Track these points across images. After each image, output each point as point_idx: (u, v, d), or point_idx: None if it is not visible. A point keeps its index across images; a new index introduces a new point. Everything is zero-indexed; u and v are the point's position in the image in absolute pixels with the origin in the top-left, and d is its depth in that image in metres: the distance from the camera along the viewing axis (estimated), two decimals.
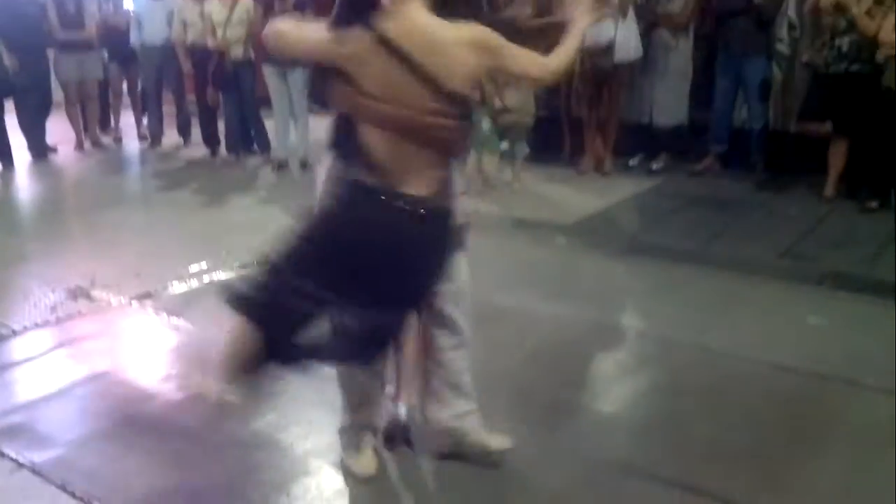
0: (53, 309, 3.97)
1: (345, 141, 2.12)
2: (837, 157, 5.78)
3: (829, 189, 5.79)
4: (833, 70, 5.58)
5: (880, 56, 5.34)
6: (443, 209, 2.08)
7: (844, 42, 5.51)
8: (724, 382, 3.21)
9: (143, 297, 4.14)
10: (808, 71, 5.99)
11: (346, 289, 2.03)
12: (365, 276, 2.03)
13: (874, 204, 5.53)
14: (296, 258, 2.09)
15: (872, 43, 5.39)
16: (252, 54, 7.25)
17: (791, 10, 6.35)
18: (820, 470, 2.60)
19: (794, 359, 3.36)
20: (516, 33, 2.19)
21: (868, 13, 5.39)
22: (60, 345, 3.60)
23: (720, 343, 3.53)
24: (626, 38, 6.30)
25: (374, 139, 2.02)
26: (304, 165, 7.03)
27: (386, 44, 1.93)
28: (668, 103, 6.68)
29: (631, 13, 6.33)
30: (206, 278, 4.42)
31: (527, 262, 4.71)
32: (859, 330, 3.71)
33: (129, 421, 2.92)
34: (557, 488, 2.45)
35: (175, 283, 4.34)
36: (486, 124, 5.37)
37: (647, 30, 6.60)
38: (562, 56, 2.15)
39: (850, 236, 5.06)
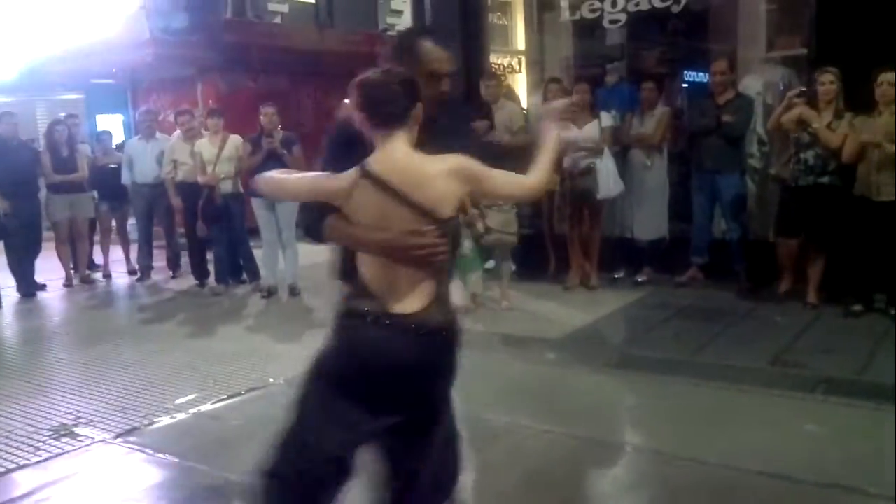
0: (36, 449, 3.88)
1: (346, 270, 2.20)
2: (815, 266, 5.89)
3: (812, 296, 5.86)
4: (801, 183, 5.79)
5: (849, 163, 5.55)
6: (438, 324, 2.11)
7: (809, 155, 5.74)
8: (725, 496, 3.13)
9: (128, 432, 4.06)
10: (778, 184, 6.21)
11: (366, 417, 2.11)
12: (378, 402, 2.11)
13: (858, 308, 5.59)
14: (311, 398, 2.20)
15: (836, 155, 5.61)
16: (241, 188, 7.45)
17: (759, 127, 6.67)
18: None
19: (793, 468, 3.29)
20: (498, 156, 2.29)
21: (829, 126, 5.64)
22: (44, 486, 3.49)
23: (717, 455, 3.46)
24: (605, 176, 6.56)
25: (366, 264, 2.11)
26: (294, 292, 7.08)
27: (375, 180, 2.04)
28: (649, 219, 6.88)
29: (606, 152, 6.61)
30: (192, 410, 4.35)
31: (517, 378, 4.68)
32: (856, 436, 3.66)
33: None
34: None
35: (161, 416, 4.27)
36: (468, 244, 5.48)
37: (623, 151, 6.88)
38: (539, 171, 2.23)
39: (839, 341, 5.09)
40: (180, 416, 4.29)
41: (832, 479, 3.19)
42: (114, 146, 9.05)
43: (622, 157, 6.85)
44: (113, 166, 8.50)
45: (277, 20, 12.92)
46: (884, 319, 5.39)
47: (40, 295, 7.96)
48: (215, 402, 4.45)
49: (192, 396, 4.54)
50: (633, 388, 4.52)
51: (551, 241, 7.14)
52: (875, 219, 5.34)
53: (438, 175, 2.06)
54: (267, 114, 7.07)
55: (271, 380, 4.77)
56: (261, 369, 4.97)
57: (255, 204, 7.16)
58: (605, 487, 3.37)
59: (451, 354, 2.18)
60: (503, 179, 2.18)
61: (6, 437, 4.04)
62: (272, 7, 12.85)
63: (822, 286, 5.86)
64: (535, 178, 2.22)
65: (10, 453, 3.83)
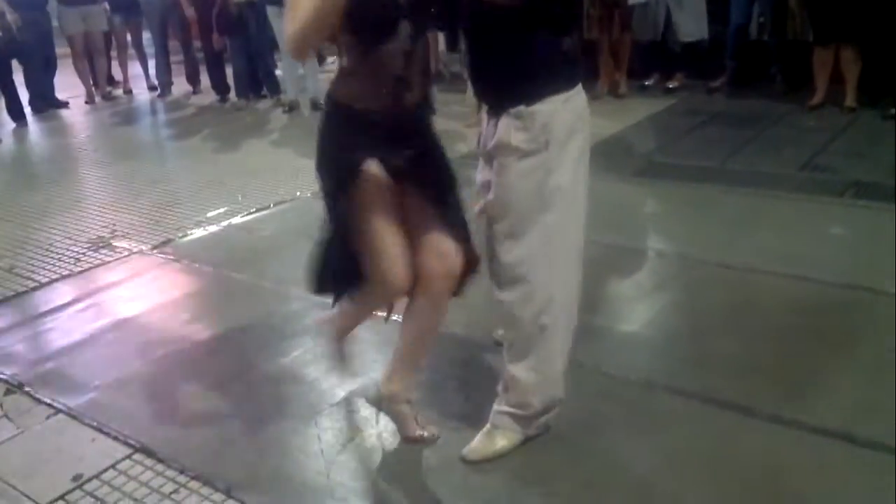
0: (77, 260, 4.02)
1: None
2: (851, 68, 5.63)
3: (850, 99, 5.66)
4: None
5: None
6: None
7: None
8: (747, 297, 3.19)
9: (164, 244, 4.18)
10: None
11: None
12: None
13: (895, 111, 5.40)
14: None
15: None
16: None
17: None
18: (844, 379, 2.59)
19: (816, 270, 3.32)
20: None
21: None
22: (86, 295, 3.65)
23: (741, 259, 3.50)
24: None
25: None
26: (316, 106, 6.98)
27: None
28: (688, 19, 6.50)
29: None
30: (223, 223, 4.45)
31: None
32: (882, 239, 3.65)
33: (159, 364, 2.98)
34: (581, 404, 2.47)
35: (194, 229, 4.37)
36: None
37: None
38: (296, 28, 1.92)
39: (872, 145, 4.97)
40: (212, 228, 4.39)
41: (855, 280, 3.23)
42: None
43: None
44: None
45: None
46: None
47: (63, 112, 7.95)
48: (245, 216, 4.53)
49: (222, 210, 4.62)
50: (661, 196, 4.50)
51: (582, 46, 6.83)
52: None
53: None
54: None
55: (298, 193, 4.82)
56: (287, 183, 5.01)
57: (272, 13, 6.87)
58: (628, 290, 3.43)
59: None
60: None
61: (47, 250, 4.19)
62: None
63: (860, 89, 5.64)
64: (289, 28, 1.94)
65: (52, 265, 3.99)
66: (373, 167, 2.11)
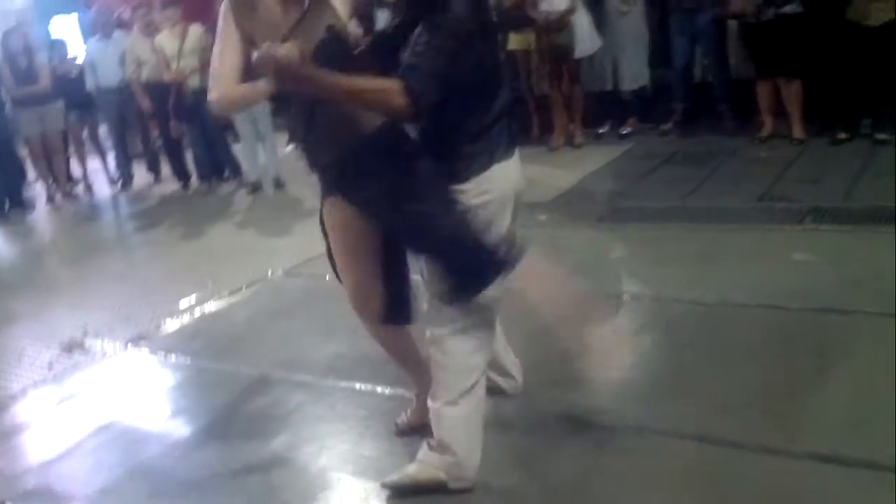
0: (50, 365, 3.95)
1: None
2: (793, 100, 5.82)
3: (797, 131, 5.82)
4: (763, 18, 5.64)
5: None
6: None
7: None
8: (724, 331, 3.23)
9: (138, 339, 4.13)
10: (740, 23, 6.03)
11: None
12: None
13: (843, 135, 5.58)
14: None
15: None
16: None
17: None
18: (828, 402, 2.62)
19: (786, 298, 3.39)
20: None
21: None
22: (62, 401, 3.58)
23: (713, 294, 3.55)
24: (582, 32, 6.34)
25: None
26: (278, 184, 7.02)
27: None
28: (630, 68, 6.72)
29: (580, 7, 6.35)
30: (196, 311, 4.41)
31: None
32: (845, 260, 3.74)
33: (143, 467, 2.91)
34: (576, 458, 2.47)
35: (167, 320, 4.33)
36: None
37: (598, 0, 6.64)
38: (232, 93, 2.21)
39: (824, 171, 5.12)
40: (185, 317, 4.35)
41: (824, 303, 3.30)
42: (71, 55, 8.68)
43: (597, 6, 6.63)
44: (74, 74, 8.19)
45: None
46: (868, 144, 5.40)
47: (26, 215, 7.89)
48: (218, 300, 4.50)
49: (194, 298, 4.58)
50: (627, 240, 4.57)
51: (533, 102, 7.01)
52: (863, 44, 5.24)
53: None
54: None
55: (269, 273, 4.81)
56: (257, 263, 5.00)
57: None
58: (608, 336, 3.44)
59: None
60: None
61: (18, 357, 4.11)
62: None
63: (806, 119, 5.82)
64: (238, 89, 2.22)
65: (24, 373, 3.91)
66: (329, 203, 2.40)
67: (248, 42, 2.17)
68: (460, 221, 2.19)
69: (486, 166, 2.23)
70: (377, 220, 2.33)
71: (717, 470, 2.36)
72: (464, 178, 2.23)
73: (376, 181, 2.21)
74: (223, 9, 2.22)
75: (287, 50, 1.93)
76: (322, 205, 2.44)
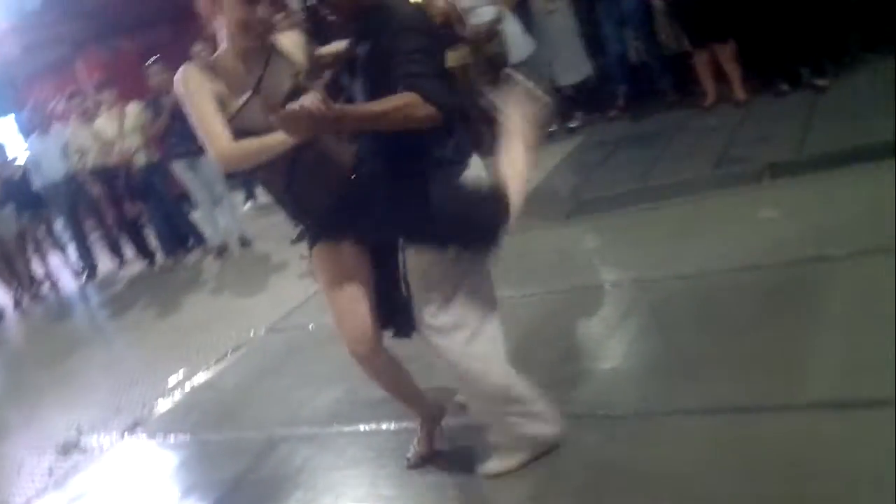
0: (50, 471, 3.87)
1: None
2: (730, 62, 5.92)
3: (739, 93, 5.91)
4: None
5: None
6: None
7: None
8: (708, 301, 3.25)
9: (133, 427, 4.06)
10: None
11: None
12: None
13: (785, 87, 5.67)
14: None
15: None
16: (156, 156, 7.17)
17: None
18: (823, 348, 2.64)
19: (761, 256, 3.42)
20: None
21: None
22: None
23: (690, 267, 3.58)
24: (514, 39, 6.39)
25: None
26: (244, 243, 6.98)
27: None
28: (568, 62, 6.78)
29: (507, 14, 6.41)
30: (186, 386, 4.35)
31: None
32: (810, 208, 3.79)
33: None
34: (587, 455, 2.47)
35: (159, 401, 4.26)
36: None
37: (522, 2, 6.72)
38: (243, 147, 2.20)
39: (774, 126, 5.19)
40: (177, 395, 4.28)
41: (800, 254, 3.33)
42: (10, 157, 8.59)
43: (523, 10, 6.70)
44: (18, 176, 8.11)
45: None
46: (810, 92, 5.49)
47: None
48: (206, 371, 4.45)
49: (181, 374, 4.52)
50: (598, 230, 4.60)
51: (479, 115, 7.04)
52: None
53: None
54: (154, 72, 6.73)
55: (252, 332, 4.76)
56: (238, 326, 4.95)
57: (177, 168, 6.93)
58: (596, 328, 3.46)
59: None
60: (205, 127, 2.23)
61: (17, 469, 4.02)
62: None
63: (746, 79, 5.92)
64: (237, 148, 2.21)
65: (25, 483, 3.82)
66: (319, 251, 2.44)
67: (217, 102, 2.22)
68: (460, 189, 2.31)
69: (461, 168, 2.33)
70: (380, 236, 2.42)
71: (730, 438, 2.36)
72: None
73: (382, 195, 2.28)
74: (184, 77, 2.24)
75: (312, 100, 1.96)
76: (310, 255, 2.47)
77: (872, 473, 2.00)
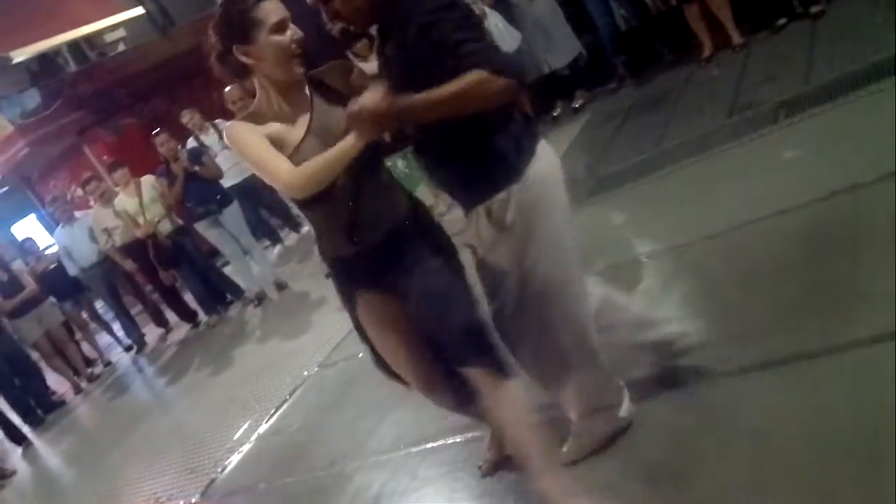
0: None
1: None
2: (721, 7, 5.85)
3: (735, 37, 5.84)
4: None
5: None
6: None
7: None
8: (746, 254, 3.20)
9: (209, 486, 4.12)
10: None
11: None
12: None
13: (782, 21, 5.59)
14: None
15: None
16: (179, 222, 7.31)
17: None
18: (874, 282, 2.58)
19: (792, 197, 3.36)
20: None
21: None
22: None
23: (722, 223, 3.53)
24: (499, 34, 6.34)
25: None
26: (281, 287, 7.07)
27: None
28: (558, 45, 6.76)
29: (488, 10, 6.38)
30: (253, 438, 4.41)
31: None
32: (832, 139, 3.74)
33: None
34: (653, 429, 2.46)
35: (229, 457, 4.32)
36: (401, 163, 5.31)
37: None
38: (309, 167, 2.10)
39: (778, 63, 5.12)
40: (246, 447, 4.34)
41: (829, 188, 3.26)
42: (41, 247, 8.81)
43: (502, 4, 6.70)
44: (53, 266, 8.31)
45: (121, 47, 12.38)
46: (807, 22, 5.41)
47: (59, 413, 7.93)
48: (269, 419, 4.50)
49: (245, 425, 4.58)
50: (622, 204, 4.57)
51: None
52: None
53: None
54: (160, 142, 6.89)
55: (306, 373, 4.81)
56: (292, 368, 5.01)
57: (201, 227, 7.06)
58: (641, 301, 3.42)
59: None
60: (265, 163, 2.17)
61: None
62: (109, 38, 12.28)
63: (739, 22, 5.85)
64: (298, 172, 2.12)
65: None
66: (364, 300, 2.36)
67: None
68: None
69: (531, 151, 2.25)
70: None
71: (798, 389, 2.32)
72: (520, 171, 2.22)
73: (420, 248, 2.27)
74: (232, 133, 2.20)
75: (371, 95, 1.93)
76: (356, 305, 2.36)
77: None
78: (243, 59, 2.14)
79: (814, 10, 5.40)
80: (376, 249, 2.26)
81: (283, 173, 2.12)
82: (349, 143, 2.06)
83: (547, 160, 2.30)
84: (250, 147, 2.16)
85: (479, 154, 2.20)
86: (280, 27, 2.11)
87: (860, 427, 2.05)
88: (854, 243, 2.83)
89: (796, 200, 3.33)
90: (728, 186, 3.90)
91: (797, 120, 4.19)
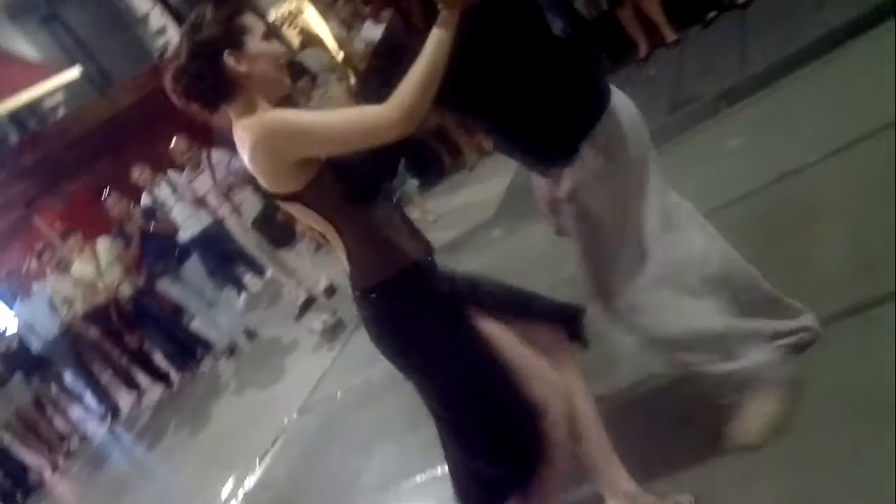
0: None
1: None
2: (652, 8, 5.93)
3: (668, 34, 5.92)
4: None
5: None
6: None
7: None
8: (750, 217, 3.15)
9: None
10: None
11: None
12: None
13: (712, 14, 5.69)
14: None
15: None
16: (139, 282, 7.18)
17: None
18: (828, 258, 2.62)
19: (747, 183, 3.37)
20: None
21: None
22: None
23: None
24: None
25: None
26: (251, 336, 6.97)
27: None
28: None
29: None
30: (240, 493, 4.32)
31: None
32: (776, 122, 3.79)
33: None
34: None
35: None
36: None
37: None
38: (407, 87, 1.76)
39: (713, 55, 5.20)
40: None
41: (779, 171, 3.30)
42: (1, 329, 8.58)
43: None
44: (15, 345, 8.10)
45: (62, 111, 12.23)
46: (737, 12, 5.51)
47: (37, 496, 7.71)
48: (254, 473, 4.41)
49: (231, 484, 4.49)
50: None
51: (432, 136, 7.07)
52: None
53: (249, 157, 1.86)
54: (111, 204, 6.81)
55: (286, 420, 4.73)
56: (271, 418, 4.92)
57: (162, 285, 6.95)
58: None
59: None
60: (346, 118, 1.82)
61: None
62: (48, 104, 12.13)
63: (671, 18, 5.93)
64: (396, 100, 1.75)
65: None
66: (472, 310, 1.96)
67: None
68: None
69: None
70: None
71: (875, 337, 2.21)
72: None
73: None
74: (278, 118, 1.86)
75: None
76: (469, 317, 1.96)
77: None
78: (235, 66, 1.85)
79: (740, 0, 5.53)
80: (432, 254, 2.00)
81: (383, 114, 1.76)
82: (442, 34, 1.74)
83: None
84: (316, 121, 1.84)
85: (572, 86, 2.10)
86: (268, 37, 1.93)
87: None
88: (811, 222, 2.87)
89: (752, 186, 3.36)
90: (678, 184, 3.91)
91: (738, 108, 4.26)
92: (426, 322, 1.93)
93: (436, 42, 1.76)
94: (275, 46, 1.93)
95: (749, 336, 2.19)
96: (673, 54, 5.76)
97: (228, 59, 1.85)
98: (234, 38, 1.87)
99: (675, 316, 2.13)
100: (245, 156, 1.87)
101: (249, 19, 1.91)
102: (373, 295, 1.91)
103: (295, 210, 1.93)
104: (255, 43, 1.89)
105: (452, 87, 1.81)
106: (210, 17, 1.89)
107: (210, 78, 1.87)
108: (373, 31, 5.96)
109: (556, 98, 2.06)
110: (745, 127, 3.99)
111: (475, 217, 5.66)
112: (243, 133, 1.85)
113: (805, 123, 3.51)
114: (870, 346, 2.19)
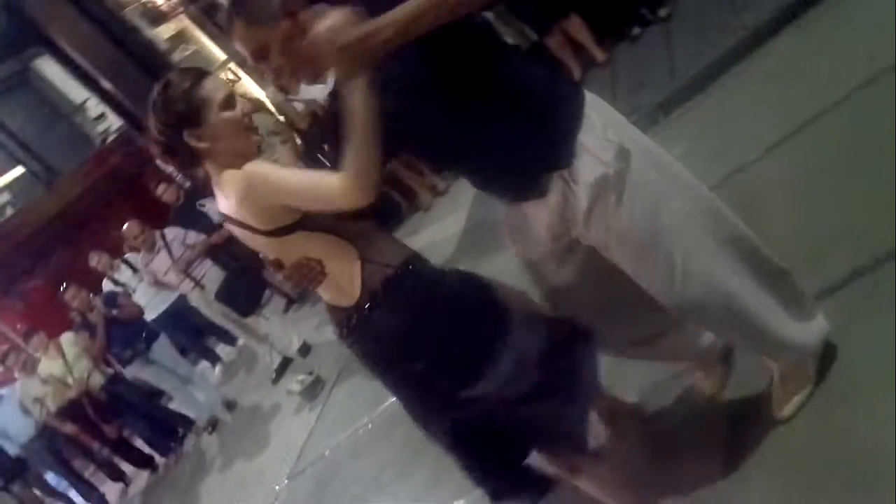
0: None
1: None
2: (580, 34, 6.07)
3: (599, 56, 6.06)
4: None
5: None
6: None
7: None
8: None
9: None
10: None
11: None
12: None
13: (637, 30, 5.86)
14: None
15: None
16: (109, 371, 7.07)
17: None
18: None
19: (710, 178, 3.46)
20: None
21: None
22: None
23: None
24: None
25: None
26: (231, 406, 6.89)
27: None
28: None
29: None
30: None
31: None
32: (713, 127, 3.91)
33: None
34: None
35: None
36: None
37: None
38: (353, 159, 1.78)
39: (643, 69, 5.34)
40: None
41: (722, 173, 3.40)
42: None
43: None
44: None
45: (9, 210, 12.07)
46: (659, 27, 5.68)
47: None
48: None
49: None
50: None
51: (385, 183, 7.12)
52: None
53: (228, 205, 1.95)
54: (70, 297, 6.74)
55: (277, 487, 4.67)
56: (262, 487, 4.86)
57: (133, 370, 6.84)
58: None
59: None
60: (310, 188, 1.86)
61: None
62: None
63: (597, 39, 6.10)
64: (345, 172, 1.78)
65: None
66: None
67: None
68: None
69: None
70: None
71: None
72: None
73: None
74: (255, 170, 1.90)
75: (325, 27, 1.72)
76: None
77: None
78: (196, 143, 1.92)
79: (662, 13, 5.69)
80: None
81: (336, 185, 1.79)
82: (357, 99, 1.76)
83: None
84: (284, 181, 1.88)
85: (546, 91, 2.04)
86: (228, 103, 1.95)
87: None
88: (759, 217, 2.95)
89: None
90: None
91: (675, 116, 4.39)
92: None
93: (358, 110, 1.76)
94: (235, 113, 1.95)
95: None
96: (605, 73, 5.91)
97: (189, 139, 1.92)
98: (191, 116, 1.92)
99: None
100: (231, 208, 1.93)
101: (208, 88, 1.94)
102: (405, 269, 1.99)
103: (291, 245, 1.94)
104: (213, 115, 1.93)
105: (430, 151, 1.84)
106: (169, 94, 1.94)
107: (179, 150, 1.96)
108: (312, 91, 6.07)
109: (536, 104, 2.00)
110: (685, 134, 4.10)
111: (438, 255, 5.66)
112: (224, 188, 1.93)
113: (741, 123, 3.63)
114: None
